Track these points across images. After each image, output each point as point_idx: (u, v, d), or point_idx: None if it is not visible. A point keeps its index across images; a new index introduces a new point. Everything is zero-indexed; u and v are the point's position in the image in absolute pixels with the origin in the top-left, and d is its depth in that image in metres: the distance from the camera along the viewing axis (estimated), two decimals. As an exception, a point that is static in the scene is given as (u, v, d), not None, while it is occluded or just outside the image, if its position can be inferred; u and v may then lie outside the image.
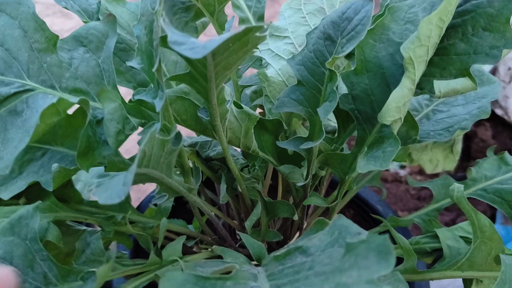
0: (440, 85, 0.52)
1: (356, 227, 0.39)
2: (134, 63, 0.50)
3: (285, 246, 0.49)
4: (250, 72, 0.84)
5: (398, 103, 0.50)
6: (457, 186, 0.56)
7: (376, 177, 0.84)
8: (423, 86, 0.55)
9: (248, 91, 0.80)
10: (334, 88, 0.51)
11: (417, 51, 0.49)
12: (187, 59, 0.44)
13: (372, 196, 0.94)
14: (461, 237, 0.62)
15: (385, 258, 0.31)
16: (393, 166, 1.52)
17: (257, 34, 0.40)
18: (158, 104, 0.44)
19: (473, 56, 0.53)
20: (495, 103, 1.68)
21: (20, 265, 0.51)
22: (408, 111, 0.55)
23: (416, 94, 0.55)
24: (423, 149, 0.93)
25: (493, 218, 1.32)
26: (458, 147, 0.94)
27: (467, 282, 0.61)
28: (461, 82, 0.52)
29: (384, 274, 0.31)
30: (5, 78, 0.49)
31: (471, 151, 1.58)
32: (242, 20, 0.78)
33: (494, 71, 1.76)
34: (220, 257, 0.66)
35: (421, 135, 0.73)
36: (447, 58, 0.55)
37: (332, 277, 0.34)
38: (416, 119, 0.78)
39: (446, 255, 0.58)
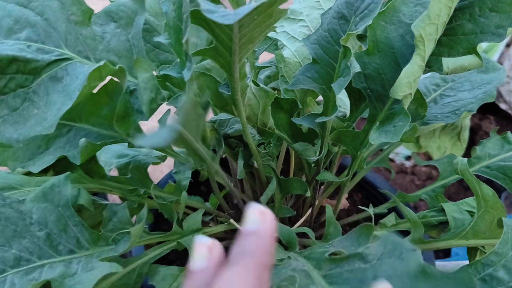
0: (448, 62, 0.55)
1: (409, 245, 0.37)
2: (162, 38, 0.53)
3: (320, 244, 0.48)
4: (262, 60, 0.87)
5: (409, 78, 0.53)
6: (461, 159, 0.59)
7: (384, 158, 0.87)
8: (432, 65, 0.58)
9: (262, 76, 0.84)
10: (348, 64, 0.54)
11: (427, 29, 0.52)
12: (214, 32, 0.48)
13: (379, 180, 0.98)
14: (466, 211, 0.65)
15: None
16: (399, 158, 1.55)
17: (280, 7, 0.44)
18: (187, 75, 0.48)
19: (480, 36, 0.56)
20: (499, 97, 1.71)
21: (54, 229, 0.54)
22: (417, 89, 0.58)
23: (425, 72, 0.58)
24: (431, 135, 0.96)
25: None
26: (466, 134, 0.97)
27: (471, 253, 0.64)
28: (468, 59, 0.55)
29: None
30: (45, 47, 0.53)
31: (476, 144, 1.60)
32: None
33: (498, 67, 1.79)
34: (236, 230, 0.70)
35: (428, 118, 0.76)
36: (455, 38, 0.58)
37: None
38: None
39: (452, 226, 0.62)
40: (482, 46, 0.50)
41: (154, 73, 0.62)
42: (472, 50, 0.56)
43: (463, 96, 0.78)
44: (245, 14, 0.39)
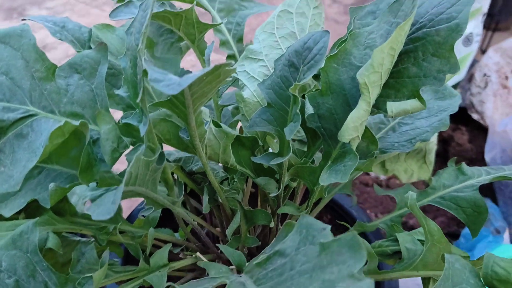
0: (392, 106, 0.59)
1: (320, 223, 0.42)
2: (121, 91, 0.56)
3: (262, 251, 0.54)
4: (232, 88, 0.91)
5: (355, 123, 0.57)
6: (411, 194, 0.63)
7: (347, 185, 0.90)
8: (380, 106, 0.62)
9: (230, 107, 0.87)
10: (298, 111, 0.57)
11: (371, 77, 0.56)
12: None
13: (347, 202, 1.01)
14: (420, 240, 0.68)
15: (357, 251, 0.35)
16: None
17: (227, 68, 0.47)
18: (142, 129, 0.51)
19: (423, 79, 0.60)
20: (471, 107, 1.75)
21: (23, 275, 0.57)
22: (367, 128, 0.62)
23: (373, 113, 0.61)
24: (396, 160, 1.00)
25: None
26: (431, 157, 1.00)
27: (425, 282, 0.67)
28: (411, 103, 0.59)
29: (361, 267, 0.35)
30: (11, 105, 0.56)
31: (449, 155, 1.64)
32: (223, 43, 0.85)
33: (470, 77, 1.83)
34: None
35: (386, 146, 0.79)
36: (401, 81, 0.61)
37: (315, 275, 0.38)
38: (383, 131, 0.85)
39: (404, 256, 0.65)
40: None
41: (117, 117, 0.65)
42: (416, 94, 0.59)
43: (419, 124, 0.82)
44: (190, 83, 0.42)
